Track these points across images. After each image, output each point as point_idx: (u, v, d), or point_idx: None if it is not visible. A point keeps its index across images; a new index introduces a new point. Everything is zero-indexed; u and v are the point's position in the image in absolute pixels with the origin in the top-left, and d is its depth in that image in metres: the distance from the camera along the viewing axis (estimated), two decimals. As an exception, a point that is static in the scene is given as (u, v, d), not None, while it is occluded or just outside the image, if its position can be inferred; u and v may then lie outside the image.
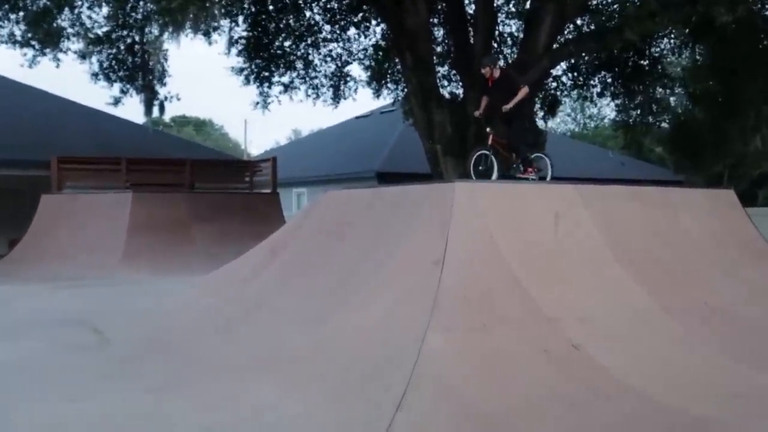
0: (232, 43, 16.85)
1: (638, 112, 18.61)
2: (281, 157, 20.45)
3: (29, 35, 15.27)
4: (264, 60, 17.40)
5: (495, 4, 16.05)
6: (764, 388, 5.08)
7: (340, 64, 18.53)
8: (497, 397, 4.67)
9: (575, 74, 18.27)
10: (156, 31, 14.46)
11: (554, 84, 18.50)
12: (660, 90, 18.63)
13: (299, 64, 18.14)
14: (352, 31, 18.25)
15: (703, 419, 4.53)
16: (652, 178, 23.63)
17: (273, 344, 5.92)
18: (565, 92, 19.26)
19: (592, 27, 15.85)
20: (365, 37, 18.35)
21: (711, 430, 4.41)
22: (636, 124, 18.79)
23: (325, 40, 18.17)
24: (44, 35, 15.10)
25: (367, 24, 18.06)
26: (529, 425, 4.38)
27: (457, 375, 4.83)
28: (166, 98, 17.29)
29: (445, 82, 18.04)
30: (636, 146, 23.21)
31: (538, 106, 18.17)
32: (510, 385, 4.82)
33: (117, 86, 17.12)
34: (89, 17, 15.99)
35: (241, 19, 16.73)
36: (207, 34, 15.72)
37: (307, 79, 18.39)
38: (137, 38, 16.78)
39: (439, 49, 17.62)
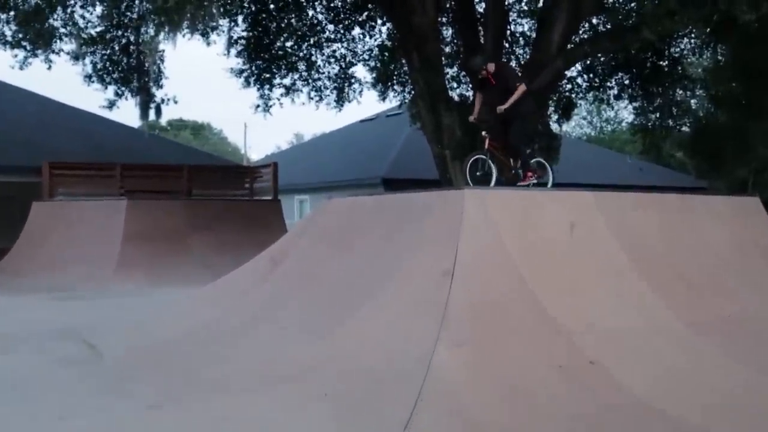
0: (231, 43, 16.94)
1: (657, 115, 18.61)
2: (282, 162, 20.49)
3: (20, 36, 15.39)
4: (265, 61, 17.47)
5: (506, 3, 16.08)
6: (792, 406, 5.04)
7: (344, 66, 18.59)
8: (510, 415, 4.65)
9: (591, 75, 18.29)
10: (152, 31, 14.50)
11: (569, 86, 18.52)
12: (680, 92, 18.63)
13: (301, 66, 18.21)
14: (356, 31, 18.34)
15: (728, 439, 4.50)
16: (672, 185, 23.59)
17: (274, 359, 5.90)
18: (581, 94, 19.27)
19: (609, 26, 15.88)
20: (370, 37, 18.43)
21: (736, 450, 4.38)
22: (655, 127, 18.78)
23: (328, 40, 18.23)
24: (36, 35, 15.20)
25: (373, 23, 18.12)
26: (544, 445, 4.36)
27: (468, 392, 4.82)
28: (162, 101, 17.37)
29: (454, 84, 18.08)
30: (655, 151, 23.17)
31: (552, 109, 18.18)
32: (523, 402, 4.80)
33: (111, 88, 17.24)
34: (82, 17, 16.14)
35: (240, 18, 16.83)
36: (205, 34, 15.82)
37: (310, 80, 18.46)
38: (132, 38, 16.87)
39: (447, 49, 17.67)
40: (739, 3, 11.00)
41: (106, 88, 17.21)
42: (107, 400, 5.42)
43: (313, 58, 18.32)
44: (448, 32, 18.07)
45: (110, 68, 17.14)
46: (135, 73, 17.21)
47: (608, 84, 18.39)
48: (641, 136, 19.68)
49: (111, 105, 17.42)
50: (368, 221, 7.64)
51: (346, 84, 18.75)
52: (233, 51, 17.06)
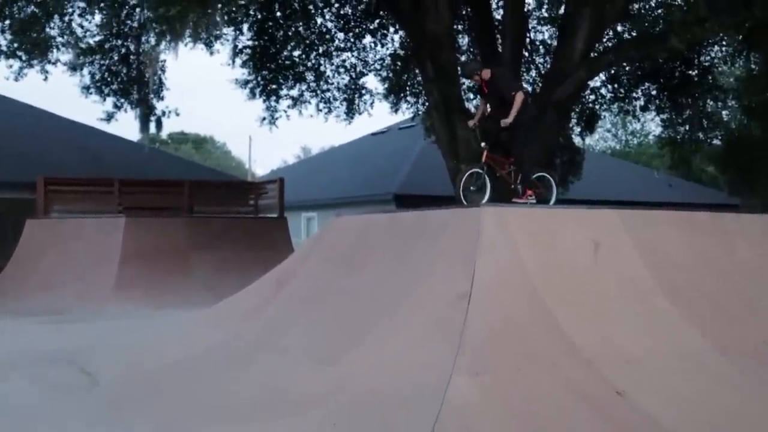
0: (236, 52, 17.08)
1: (687, 127, 18.56)
2: (289, 177, 20.58)
3: (15, 45, 15.56)
4: (271, 71, 17.57)
5: (525, 9, 16.14)
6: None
7: (354, 76, 18.68)
8: (530, 448, 4.62)
9: (616, 86, 18.29)
10: (153, 41, 14.68)
11: (592, 96, 18.55)
12: (711, 103, 18.59)
13: (310, 76, 18.31)
14: (367, 39, 18.44)
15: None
16: (702, 201, 23.50)
17: (279, 387, 5.89)
18: (605, 106, 19.28)
19: (634, 34, 15.89)
20: (382, 45, 18.52)
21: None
22: (684, 140, 18.74)
23: (338, 49, 18.34)
24: (31, 45, 15.38)
25: (384, 31, 18.22)
26: (567, 481, 4.32)
27: (485, 422, 4.79)
28: (163, 113, 17.53)
29: (470, 95, 18.10)
30: (685, 165, 23.12)
31: (574, 121, 18.20)
32: (544, 434, 4.77)
33: (110, 100, 17.39)
34: (80, 26, 16.32)
35: (246, 26, 16.96)
36: (208, 44, 15.96)
37: (319, 91, 18.55)
38: (132, 48, 17.05)
39: (463, 58, 17.72)
40: (775, 8, 11.02)
41: (105, 99, 17.37)
42: (103, 430, 5.43)
43: (322, 68, 18.41)
44: (464, 40, 18.16)
45: (109, 79, 17.30)
46: (135, 84, 17.37)
47: (634, 95, 18.39)
48: (670, 149, 19.64)
49: (109, 117, 17.57)
50: (380, 240, 7.65)
51: (356, 95, 18.83)
52: (238, 61, 17.21)
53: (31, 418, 5.85)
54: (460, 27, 17.59)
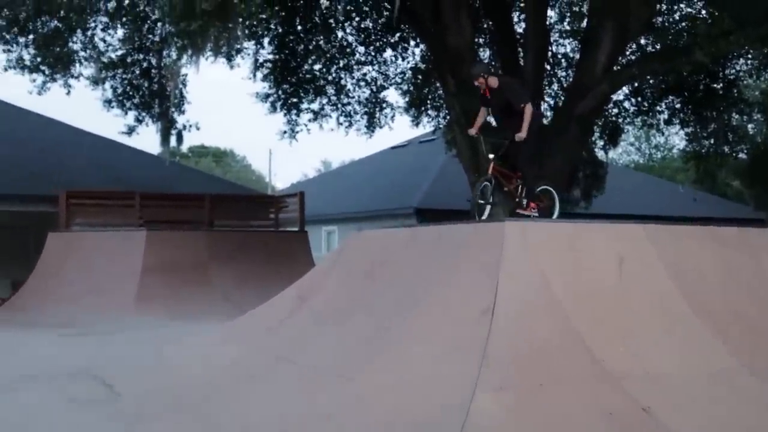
0: (257, 66, 17.21)
1: (712, 141, 18.44)
2: (309, 191, 20.64)
3: (39, 59, 15.79)
4: (292, 85, 17.69)
5: (548, 22, 16.14)
6: None
7: (375, 89, 18.75)
8: (555, 467, 4.57)
9: (639, 99, 18.23)
10: (174, 55, 14.83)
11: (615, 110, 18.48)
12: (736, 116, 18.48)
13: (330, 90, 18.41)
14: (388, 53, 18.52)
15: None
16: (728, 216, 23.25)
17: (299, 403, 5.89)
18: (628, 119, 19.21)
19: (658, 47, 15.84)
20: (403, 59, 18.60)
21: None
22: (709, 154, 18.60)
23: (358, 62, 18.43)
24: (55, 59, 15.61)
25: (405, 45, 18.30)
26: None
27: (509, 441, 4.75)
28: (184, 127, 17.66)
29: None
30: (710, 180, 22.99)
31: (597, 135, 18.13)
32: (570, 453, 4.72)
33: (132, 114, 17.56)
34: (103, 40, 16.54)
35: (266, 40, 17.09)
36: (229, 58, 16.08)
37: (339, 105, 18.63)
38: (154, 62, 17.24)
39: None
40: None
41: (126, 113, 17.56)
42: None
43: (343, 82, 18.51)
44: (485, 53, 18.17)
45: (131, 93, 17.50)
46: (156, 98, 17.54)
47: (658, 108, 18.31)
48: (694, 163, 19.52)
49: (131, 131, 17.75)
50: (401, 255, 7.64)
51: (377, 109, 18.89)
52: (259, 74, 17.35)
53: (53, 430, 5.88)
54: (481, 40, 17.62)
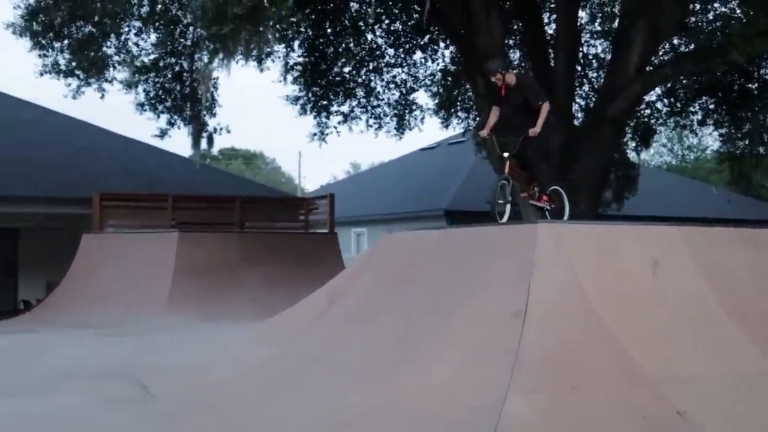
0: (287, 69, 17.29)
1: (746, 142, 18.17)
2: (339, 193, 20.69)
3: (74, 64, 16.02)
4: (321, 87, 17.76)
5: (578, 23, 16.04)
6: None
7: (404, 91, 18.76)
8: (589, 470, 4.54)
9: (672, 100, 18.02)
10: (206, 58, 14.94)
11: (647, 111, 18.29)
12: (772, 117, 18.17)
13: (360, 92, 18.46)
14: (418, 55, 18.53)
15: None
16: (763, 218, 22.92)
17: (331, 405, 5.91)
18: (661, 120, 19.00)
19: (692, 47, 15.65)
20: (432, 61, 18.59)
21: None
22: (744, 155, 18.33)
23: (388, 65, 18.46)
24: (89, 64, 15.82)
25: (435, 47, 18.29)
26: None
27: (542, 444, 4.73)
28: (215, 130, 17.77)
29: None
30: (744, 181, 22.58)
31: (629, 136, 17.97)
32: (604, 457, 4.69)
33: (164, 117, 17.72)
34: (136, 44, 16.71)
35: (297, 43, 17.18)
36: (260, 61, 16.18)
37: (369, 107, 18.66)
38: (186, 66, 17.39)
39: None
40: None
41: (159, 116, 17.72)
42: (159, 443, 5.52)
43: (372, 84, 18.55)
44: (515, 55, 18.10)
45: (163, 96, 17.66)
46: (188, 101, 17.69)
47: (691, 109, 18.08)
48: (728, 164, 19.22)
49: (163, 134, 17.91)
50: (432, 257, 7.64)
51: (406, 111, 18.90)
52: (289, 77, 17.42)
53: (87, 430, 5.95)
54: (511, 41, 17.56)
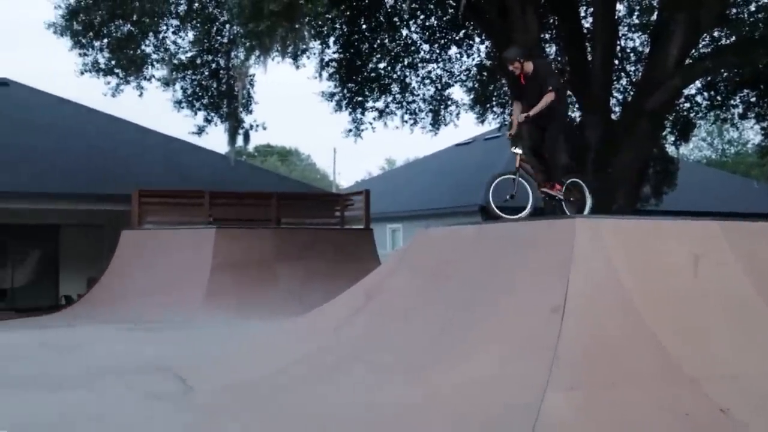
0: (322, 66, 17.35)
1: (789, 136, 17.84)
2: (374, 189, 20.72)
3: (113, 63, 16.25)
4: (357, 83, 17.78)
5: (616, 16, 15.84)
6: None
7: (440, 87, 18.72)
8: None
9: (712, 93, 17.74)
10: (242, 55, 15.07)
11: (687, 104, 18.01)
12: (815, 110, 17.79)
13: (395, 88, 18.45)
14: (453, 50, 18.47)
15: None
16: (807, 213, 22.41)
17: (369, 400, 5.91)
18: (700, 114, 18.70)
19: (733, 39, 15.37)
20: (468, 56, 18.50)
21: None
22: (787, 149, 18.00)
23: (423, 60, 18.42)
24: (128, 62, 16.05)
25: (470, 42, 18.21)
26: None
27: (581, 441, 4.69)
28: (251, 127, 17.92)
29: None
30: (787, 175, 22.22)
31: (668, 130, 17.72)
32: (644, 454, 4.63)
33: (201, 114, 17.92)
34: (174, 42, 16.91)
35: (332, 40, 17.21)
36: (295, 57, 16.26)
37: (404, 103, 18.65)
38: (222, 63, 17.56)
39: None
40: None
41: (196, 114, 17.93)
42: (198, 437, 5.57)
43: (408, 80, 18.53)
44: (551, 49, 17.94)
45: (200, 94, 17.86)
46: (224, 98, 17.86)
47: (732, 102, 17.79)
48: (771, 159, 18.91)
49: (200, 131, 18.12)
50: (468, 252, 7.60)
51: (442, 106, 18.85)
52: (324, 74, 17.48)
53: (129, 423, 6.04)
54: (547, 36, 17.40)
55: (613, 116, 15.39)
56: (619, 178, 13.48)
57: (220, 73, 17.73)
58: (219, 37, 16.80)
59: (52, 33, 15.59)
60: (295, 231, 17.26)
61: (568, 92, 17.20)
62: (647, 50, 16.11)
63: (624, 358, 5.42)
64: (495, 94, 18.60)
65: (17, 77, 24.69)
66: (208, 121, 18.03)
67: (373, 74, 17.96)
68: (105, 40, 15.96)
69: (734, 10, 15.32)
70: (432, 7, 17.45)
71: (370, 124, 18.40)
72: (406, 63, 18.27)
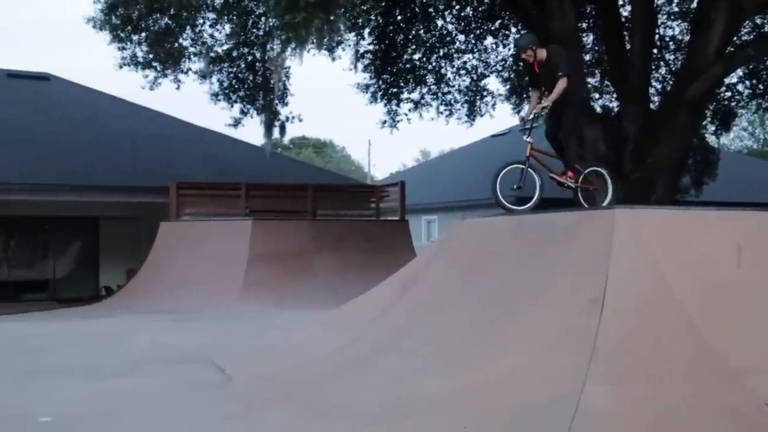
0: (357, 57, 17.35)
1: (834, 124, 17.44)
2: (409, 180, 20.64)
3: (151, 56, 16.42)
4: (392, 75, 17.76)
5: (655, 4, 15.58)
6: None
7: (475, 78, 18.61)
8: (671, 462, 4.42)
9: (754, 82, 17.39)
10: (278, 48, 15.12)
11: (728, 93, 17.68)
12: None
13: (430, 79, 18.39)
14: (488, 41, 18.35)
15: None
16: None
17: (405, 391, 5.90)
18: (742, 103, 18.35)
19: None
20: (504, 46, 18.37)
21: None
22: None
23: (458, 51, 18.32)
24: (166, 55, 16.20)
25: (506, 32, 18.06)
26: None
27: (622, 434, 4.62)
28: (287, 119, 17.99)
29: (596, 95, 17.64)
30: (831, 165, 21.73)
31: (708, 120, 17.41)
32: (686, 448, 4.56)
33: (237, 107, 18.04)
34: (211, 35, 17.03)
35: (367, 31, 17.20)
36: (331, 49, 16.27)
37: (440, 94, 18.59)
38: (258, 55, 17.64)
39: (588, 57, 17.30)
40: None
41: (232, 106, 18.05)
42: (237, 425, 5.61)
43: (443, 71, 18.46)
44: (589, 39, 17.72)
45: (236, 86, 17.98)
46: (260, 90, 17.94)
47: (774, 91, 17.43)
48: (814, 148, 18.50)
49: (236, 123, 18.25)
50: (506, 243, 7.55)
51: (477, 97, 18.75)
52: (359, 65, 17.49)
53: (170, 410, 6.11)
54: (584, 25, 17.18)
55: (652, 106, 15.15)
56: (659, 169, 13.26)
57: (257, 66, 17.81)
58: (255, 30, 16.87)
59: (91, 27, 15.80)
60: (330, 223, 17.30)
61: (606, 82, 17.09)
62: (687, 38, 15.83)
63: (665, 351, 5.32)
64: (531, 84, 18.43)
65: (58, 72, 25.05)
66: (244, 113, 18.15)
67: (408, 65, 17.91)
68: (143, 34, 16.14)
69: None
70: (467, -3, 17.35)
71: (406, 115, 18.40)
72: (441, 54, 18.19)
